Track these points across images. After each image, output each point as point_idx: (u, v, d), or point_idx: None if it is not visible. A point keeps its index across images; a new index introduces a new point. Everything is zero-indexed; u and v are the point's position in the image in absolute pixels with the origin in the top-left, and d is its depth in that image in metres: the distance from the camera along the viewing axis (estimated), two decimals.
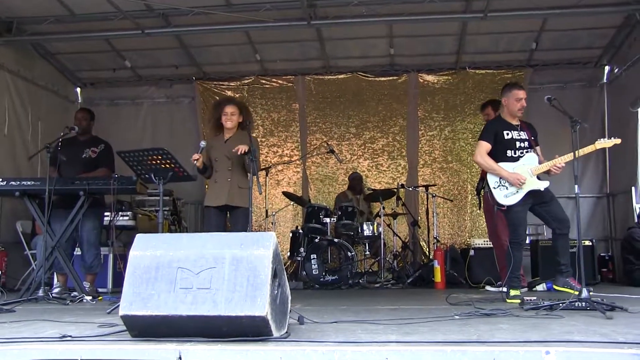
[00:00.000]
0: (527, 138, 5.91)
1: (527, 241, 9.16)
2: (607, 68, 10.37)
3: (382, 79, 10.96)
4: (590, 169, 10.21)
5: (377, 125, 10.95)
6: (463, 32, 9.56)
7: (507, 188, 5.75)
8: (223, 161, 6.23)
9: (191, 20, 8.71)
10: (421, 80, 10.83)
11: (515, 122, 6.00)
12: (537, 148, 6.01)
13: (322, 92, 11.09)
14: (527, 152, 5.86)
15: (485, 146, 5.90)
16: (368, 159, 10.92)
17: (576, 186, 4.99)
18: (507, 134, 5.88)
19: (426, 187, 9.56)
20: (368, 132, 10.96)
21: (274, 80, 11.11)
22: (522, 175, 5.70)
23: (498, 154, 5.87)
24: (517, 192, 5.72)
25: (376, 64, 10.81)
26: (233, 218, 6.27)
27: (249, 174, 6.15)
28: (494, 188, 5.80)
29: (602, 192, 10.23)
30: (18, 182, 6.55)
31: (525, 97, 5.93)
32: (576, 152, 5.09)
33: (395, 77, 10.92)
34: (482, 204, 7.93)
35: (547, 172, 5.85)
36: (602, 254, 9.41)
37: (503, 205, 5.75)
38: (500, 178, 5.78)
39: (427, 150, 10.80)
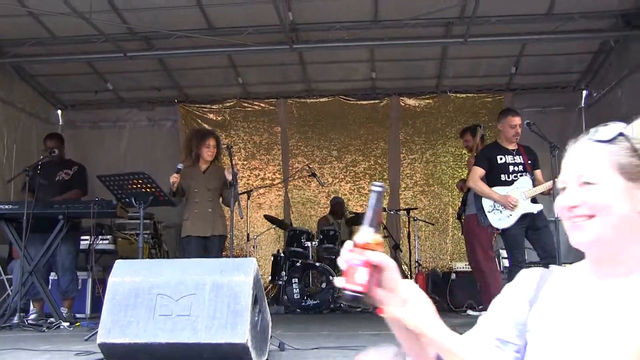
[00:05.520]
0: (523, 162, 5.95)
1: (507, 265, 9.21)
2: (585, 92, 10.47)
3: (364, 102, 10.99)
4: None
5: (358, 148, 10.96)
6: (444, 57, 9.63)
7: (500, 212, 5.79)
8: (203, 192, 6.29)
9: (173, 43, 8.71)
10: (402, 104, 10.87)
11: (511, 147, 6.05)
12: (537, 172, 6.05)
13: (304, 116, 11.10)
14: (521, 175, 5.89)
15: (478, 172, 5.98)
16: (350, 182, 10.92)
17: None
18: (501, 159, 5.95)
19: (407, 210, 9.55)
20: (350, 156, 10.96)
21: (255, 103, 11.10)
22: (513, 197, 5.73)
23: (493, 179, 5.93)
24: (511, 215, 5.74)
25: (358, 88, 10.85)
26: (211, 245, 6.26)
27: (223, 202, 6.47)
28: (489, 212, 5.86)
29: None
30: None
31: (519, 124, 5.96)
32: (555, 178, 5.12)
33: (376, 101, 10.96)
34: (463, 229, 7.97)
35: (548, 193, 5.84)
36: None
37: (498, 229, 5.83)
38: (495, 202, 5.82)
39: (408, 174, 10.82)
